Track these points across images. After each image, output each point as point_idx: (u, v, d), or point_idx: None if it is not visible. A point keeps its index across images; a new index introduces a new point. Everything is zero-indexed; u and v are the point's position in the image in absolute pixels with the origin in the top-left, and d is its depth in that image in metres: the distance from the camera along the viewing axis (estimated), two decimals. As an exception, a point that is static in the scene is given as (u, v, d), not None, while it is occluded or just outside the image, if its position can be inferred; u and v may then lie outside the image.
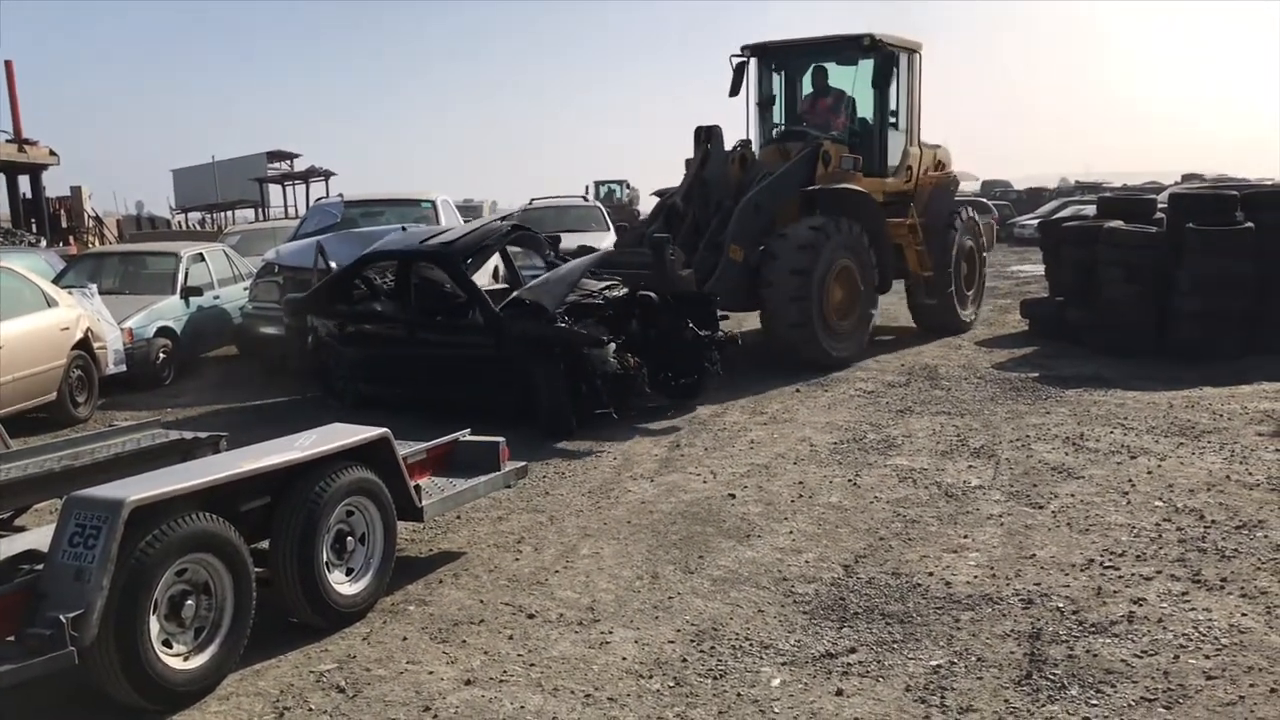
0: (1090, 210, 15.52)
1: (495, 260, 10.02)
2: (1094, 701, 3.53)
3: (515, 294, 8.38)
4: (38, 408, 8.60)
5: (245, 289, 11.82)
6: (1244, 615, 4.17)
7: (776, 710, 3.57)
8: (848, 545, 5.21)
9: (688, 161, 10.87)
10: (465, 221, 11.73)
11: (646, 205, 29.14)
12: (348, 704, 3.72)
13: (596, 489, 6.36)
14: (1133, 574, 4.66)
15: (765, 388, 9.30)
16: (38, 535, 4.39)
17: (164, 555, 3.55)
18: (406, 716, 3.62)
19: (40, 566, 3.51)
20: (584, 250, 10.04)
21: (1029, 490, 5.99)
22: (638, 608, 4.51)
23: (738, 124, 11.97)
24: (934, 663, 3.87)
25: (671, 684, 3.79)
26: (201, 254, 12.17)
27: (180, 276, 11.31)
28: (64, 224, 24.87)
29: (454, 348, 8.28)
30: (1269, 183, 22.96)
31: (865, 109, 11.67)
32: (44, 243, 19.07)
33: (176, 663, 3.67)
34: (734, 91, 11.67)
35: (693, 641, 4.14)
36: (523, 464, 5.65)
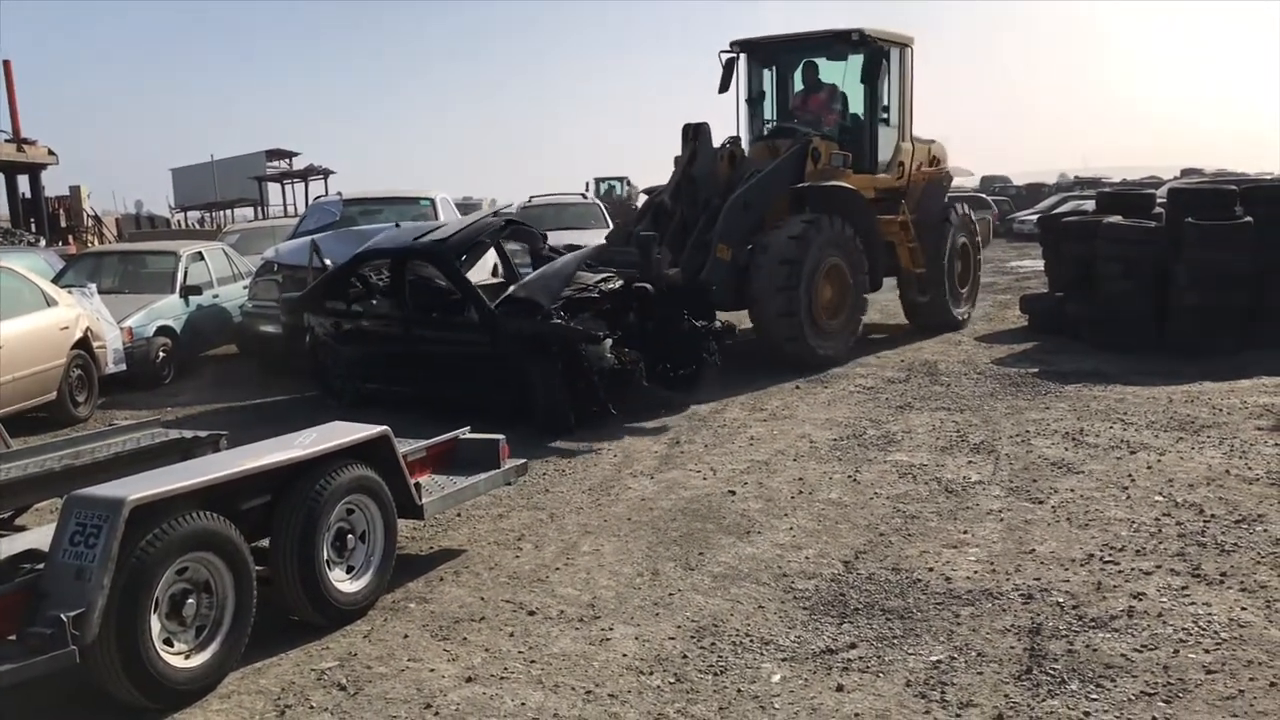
0: (1089, 205, 15.53)
1: (493, 256, 9.99)
2: (1094, 696, 3.54)
3: (510, 291, 8.33)
4: (38, 407, 8.60)
5: (245, 288, 11.82)
6: (1244, 609, 4.18)
7: (777, 706, 3.58)
8: (848, 541, 5.22)
9: (676, 159, 10.78)
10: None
11: (646, 202, 29.08)
12: (349, 701, 3.73)
13: (597, 486, 6.36)
14: (1132, 569, 4.67)
15: (765, 384, 9.30)
16: (38, 535, 4.40)
17: (165, 554, 3.56)
18: (408, 714, 3.63)
19: (41, 566, 3.51)
20: (570, 249, 9.96)
21: (1029, 485, 6.00)
22: (638, 604, 4.51)
23: (735, 121, 11.84)
24: (934, 658, 3.88)
25: (672, 680, 3.80)
26: (201, 253, 12.16)
27: (180, 275, 11.31)
28: (63, 223, 24.89)
29: (450, 345, 8.25)
30: (1268, 177, 22.98)
31: (856, 105, 11.57)
32: (43, 242, 19.09)
33: (178, 661, 3.68)
34: (723, 88, 11.56)
35: (693, 638, 4.15)
36: (523, 461, 5.65)
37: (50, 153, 23.93)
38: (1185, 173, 38.69)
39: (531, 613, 4.46)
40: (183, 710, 3.67)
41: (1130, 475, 6.09)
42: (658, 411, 8.29)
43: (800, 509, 5.76)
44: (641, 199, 15.10)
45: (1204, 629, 4.01)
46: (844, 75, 11.55)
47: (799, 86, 11.90)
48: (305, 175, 35.67)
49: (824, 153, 10.68)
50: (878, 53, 10.93)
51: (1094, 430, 7.17)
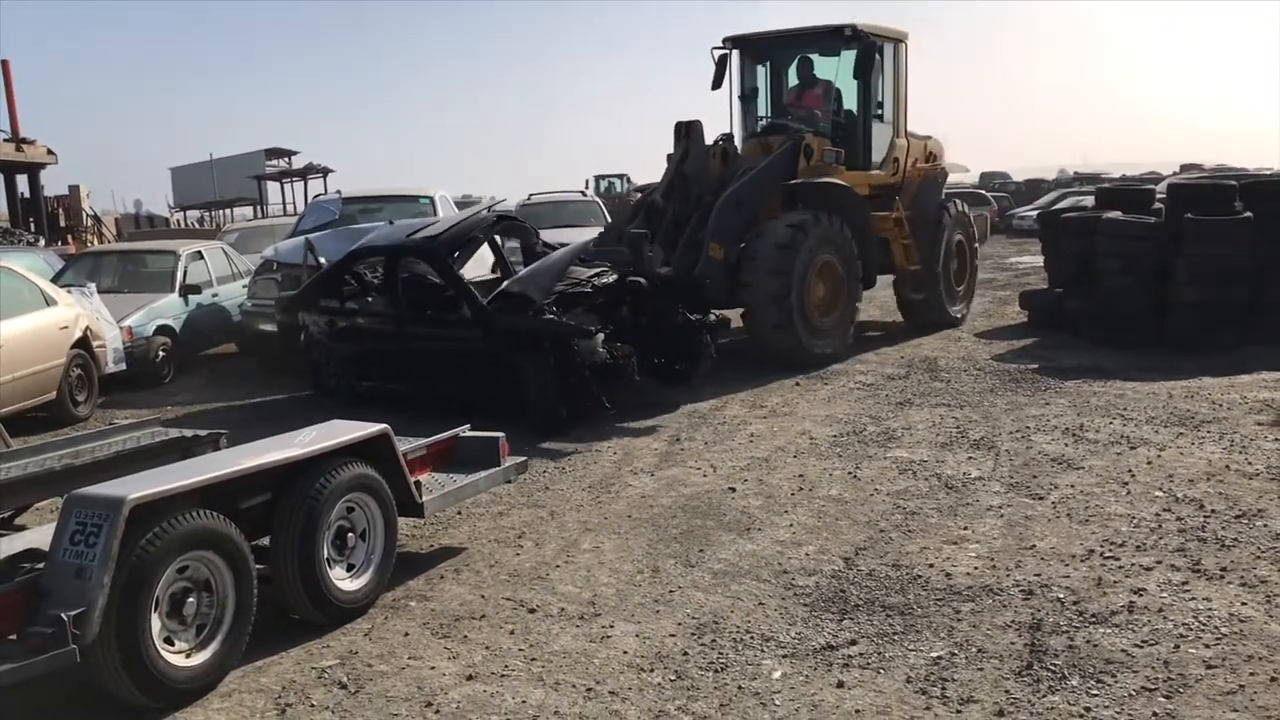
0: (1089, 201, 15.53)
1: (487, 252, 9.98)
2: (1094, 691, 3.54)
3: (502, 286, 8.29)
4: (38, 407, 8.60)
5: (244, 286, 11.82)
6: (1244, 604, 4.18)
7: (778, 702, 3.58)
8: (848, 538, 5.22)
9: (668, 156, 10.71)
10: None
11: (645, 200, 29.06)
12: (350, 700, 3.73)
13: (597, 483, 6.36)
14: (1133, 564, 4.67)
15: (765, 381, 9.30)
16: (38, 534, 4.40)
17: (165, 553, 3.56)
18: (408, 712, 3.63)
19: (41, 565, 3.51)
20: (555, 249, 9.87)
21: (1029, 481, 6.00)
22: (639, 601, 4.51)
23: (729, 118, 11.74)
24: (935, 654, 3.88)
25: (673, 677, 3.80)
26: (200, 252, 12.16)
27: (179, 275, 11.31)
28: (62, 223, 24.90)
29: (443, 342, 8.21)
30: (1268, 172, 22.97)
31: (849, 101, 11.49)
32: (42, 242, 19.08)
33: (178, 660, 3.68)
34: (716, 84, 11.50)
35: (694, 635, 4.15)
36: (523, 459, 5.65)
37: (49, 152, 23.93)
38: (1185, 168, 38.66)
39: (532, 610, 4.46)
40: (184, 709, 3.67)
41: (1130, 471, 6.09)
42: (652, 408, 8.29)
43: (801, 506, 5.76)
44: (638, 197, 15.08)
45: (1204, 624, 4.01)
46: (837, 71, 11.48)
47: (793, 82, 11.84)
48: (304, 174, 35.65)
49: (816, 149, 10.63)
50: (871, 48, 10.85)
51: (1094, 426, 7.17)
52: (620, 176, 42.08)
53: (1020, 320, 12.53)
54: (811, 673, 3.79)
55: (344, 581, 4.39)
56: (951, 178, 13.18)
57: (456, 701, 3.68)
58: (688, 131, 10.48)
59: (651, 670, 3.86)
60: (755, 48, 11.74)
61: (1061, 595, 4.36)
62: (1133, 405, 7.74)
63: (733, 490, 6.09)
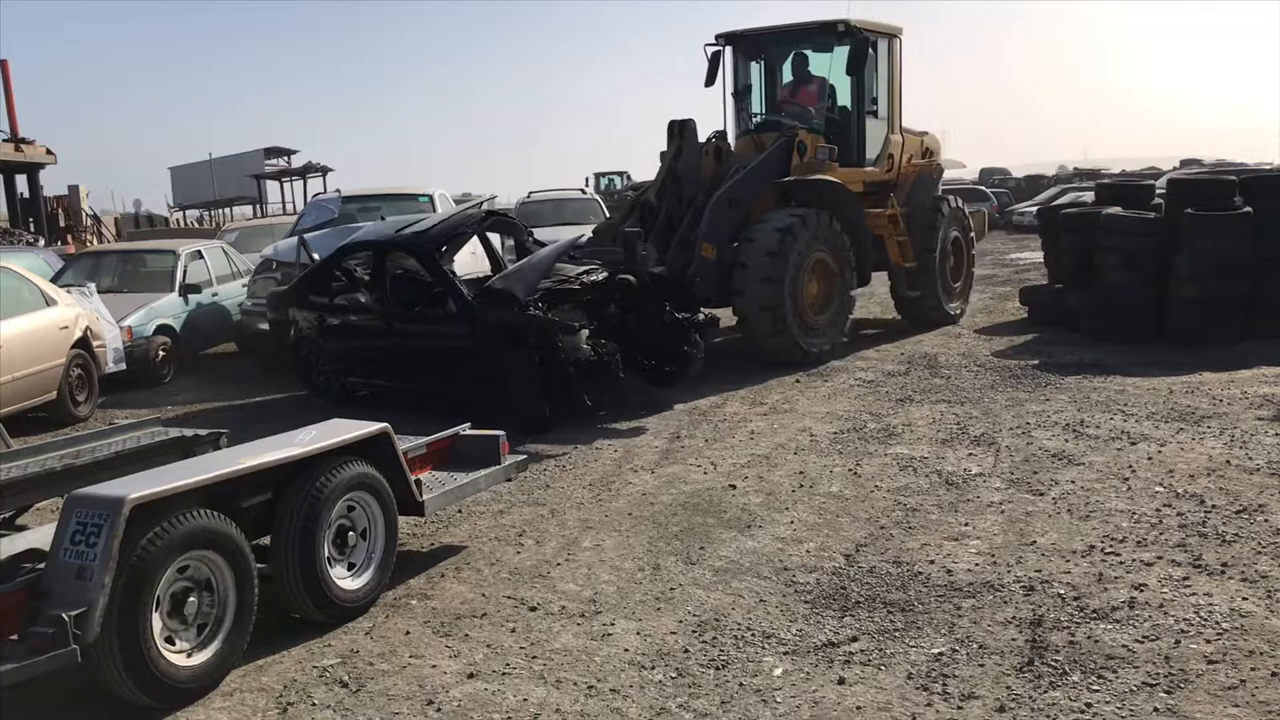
0: (1089, 197, 15.53)
1: (494, 247, 9.97)
2: (1096, 687, 3.54)
3: (488, 282, 8.28)
4: (38, 407, 8.61)
5: (244, 285, 11.83)
6: (1245, 599, 4.18)
7: (779, 699, 3.58)
8: (849, 534, 5.22)
9: (661, 155, 10.67)
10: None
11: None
12: (351, 698, 3.73)
13: (597, 481, 6.36)
14: (1133, 560, 4.67)
15: (765, 378, 9.30)
16: (39, 534, 4.40)
17: (165, 552, 3.56)
18: (410, 710, 3.63)
19: (42, 565, 3.51)
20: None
21: (1029, 477, 6.00)
22: (639, 599, 4.51)
23: (723, 115, 11.64)
24: (936, 650, 3.88)
25: (674, 675, 3.80)
26: (200, 251, 12.17)
27: (179, 274, 11.32)
28: (62, 223, 24.89)
29: (431, 338, 8.20)
30: (1267, 167, 22.97)
31: (843, 97, 11.41)
32: (42, 242, 19.09)
33: (179, 659, 3.68)
34: (709, 81, 11.41)
35: (695, 632, 4.15)
36: (523, 457, 5.66)
37: (48, 152, 23.92)
38: (1184, 164, 38.64)
39: (533, 608, 4.46)
40: (185, 708, 3.67)
41: (1131, 466, 6.09)
42: (652, 406, 8.29)
43: (801, 503, 5.76)
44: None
45: (1205, 619, 4.01)
46: (831, 67, 11.42)
47: (787, 79, 11.77)
48: (304, 173, 35.63)
49: (810, 146, 10.58)
50: (864, 43, 10.77)
51: (1094, 422, 7.17)
52: (620, 174, 42.06)
53: (1020, 316, 12.52)
54: (812, 669, 3.79)
55: (345, 580, 4.39)
56: (950, 174, 13.08)
57: (458, 700, 3.68)
58: (681, 130, 10.44)
59: (653, 668, 3.86)
60: (748, 44, 11.67)
61: (1062, 591, 4.36)
62: (1133, 401, 7.74)
63: (733, 487, 6.09)
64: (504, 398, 7.75)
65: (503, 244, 10.31)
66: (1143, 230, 10.35)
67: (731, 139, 11.44)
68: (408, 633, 4.27)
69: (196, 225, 36.70)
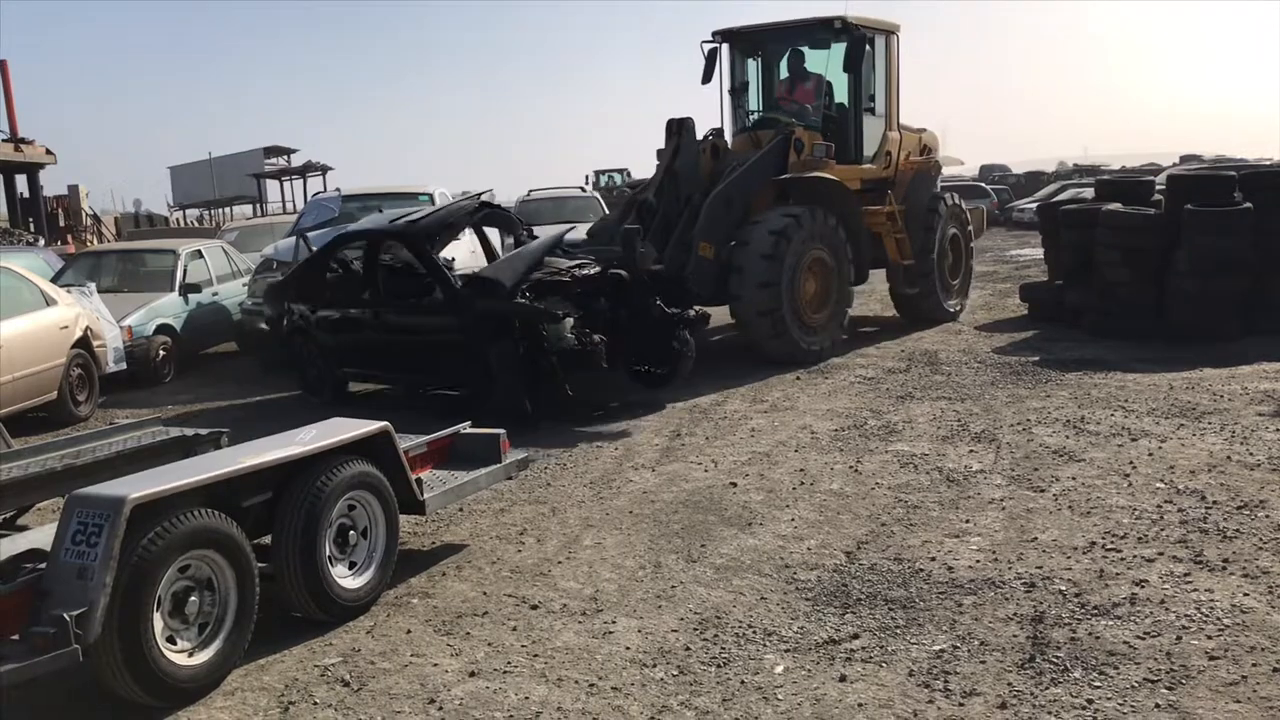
0: (1089, 193, 15.50)
1: (495, 241, 9.98)
2: (1097, 684, 3.54)
3: (475, 272, 8.28)
4: (38, 407, 8.61)
5: (244, 285, 11.83)
6: (1246, 595, 4.18)
7: (780, 697, 3.58)
8: (850, 532, 5.22)
9: (659, 153, 10.66)
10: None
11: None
12: (352, 697, 3.73)
13: (598, 479, 6.36)
14: (1134, 556, 4.67)
15: (765, 376, 9.30)
16: (40, 534, 4.41)
17: (166, 552, 3.56)
18: (411, 709, 3.63)
19: (43, 565, 3.51)
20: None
21: (1030, 474, 6.00)
22: (641, 597, 4.51)
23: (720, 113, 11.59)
24: (937, 647, 3.88)
25: (675, 673, 3.80)
26: (200, 251, 12.17)
27: (179, 274, 11.32)
28: (62, 222, 24.90)
29: (421, 330, 8.20)
30: (1267, 163, 22.95)
31: (840, 94, 11.37)
32: (42, 241, 19.08)
33: (181, 659, 3.68)
34: (706, 79, 11.37)
35: (696, 630, 4.15)
36: (524, 456, 5.65)
37: (48, 152, 23.92)
38: (1184, 159, 38.63)
39: (534, 607, 4.46)
40: (186, 708, 3.67)
41: (1131, 462, 6.09)
42: (652, 404, 8.28)
43: (802, 500, 5.76)
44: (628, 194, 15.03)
45: (1206, 615, 4.01)
46: (828, 64, 11.35)
47: (783, 76, 11.72)
48: (304, 172, 35.63)
49: (807, 143, 10.52)
50: (861, 40, 10.71)
51: (1095, 418, 7.17)
52: (620, 171, 42.05)
53: (1020, 313, 12.52)
54: (814, 667, 3.79)
55: (346, 579, 4.40)
56: (949, 170, 13.04)
57: (459, 698, 3.68)
58: (679, 128, 10.41)
59: (654, 665, 3.86)
60: (745, 41, 11.63)
61: (1063, 588, 4.36)
62: (1134, 397, 7.74)
63: (734, 485, 6.09)
64: (489, 390, 7.74)
65: (503, 242, 10.31)
66: (1143, 226, 10.35)
67: (729, 136, 11.41)
68: (409, 631, 4.27)
69: (196, 225, 36.71)
